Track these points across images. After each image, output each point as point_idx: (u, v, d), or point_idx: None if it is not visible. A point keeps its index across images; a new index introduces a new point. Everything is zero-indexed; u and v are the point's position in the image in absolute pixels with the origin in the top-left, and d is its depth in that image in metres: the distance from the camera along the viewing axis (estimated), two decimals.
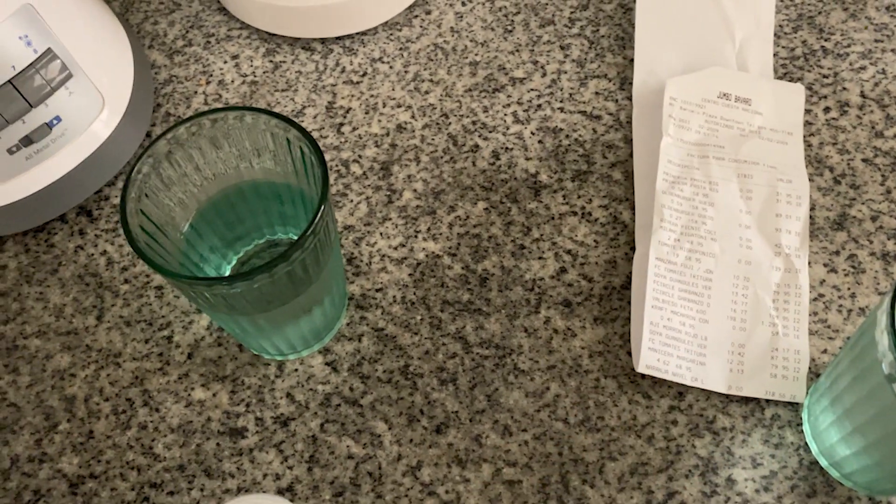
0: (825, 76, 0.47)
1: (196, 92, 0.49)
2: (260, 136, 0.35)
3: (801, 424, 0.37)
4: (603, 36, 0.50)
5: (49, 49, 0.41)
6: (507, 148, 0.46)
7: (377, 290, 0.42)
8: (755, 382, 0.38)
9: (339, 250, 0.38)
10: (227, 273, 0.39)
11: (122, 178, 0.46)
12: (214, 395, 0.40)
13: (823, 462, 0.36)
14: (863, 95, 0.46)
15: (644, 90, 0.47)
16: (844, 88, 0.47)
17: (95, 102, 0.44)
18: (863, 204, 0.43)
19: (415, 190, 0.45)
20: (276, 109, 0.48)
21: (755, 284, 0.40)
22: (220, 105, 0.49)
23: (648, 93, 0.47)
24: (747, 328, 0.39)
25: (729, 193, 0.42)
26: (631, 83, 0.48)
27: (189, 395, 0.40)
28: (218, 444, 0.39)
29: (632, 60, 0.49)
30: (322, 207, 0.31)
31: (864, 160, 0.44)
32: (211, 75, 0.49)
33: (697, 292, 0.40)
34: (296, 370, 0.40)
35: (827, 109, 0.46)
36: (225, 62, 0.50)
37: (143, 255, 0.30)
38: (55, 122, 0.42)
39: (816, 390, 0.36)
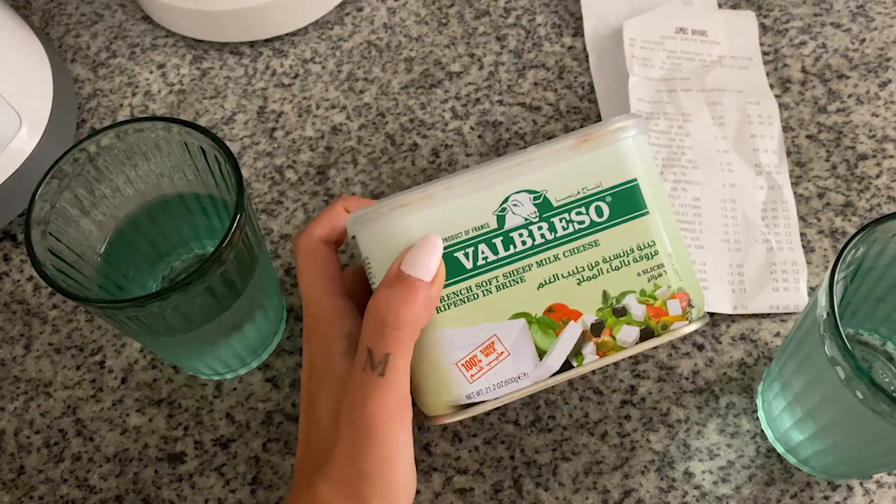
0: (766, 53, 0.46)
1: (122, 105, 0.47)
2: (175, 146, 0.33)
3: (756, 411, 0.36)
4: (540, 24, 0.48)
5: None
6: (446, 145, 0.45)
7: None
8: (758, 299, 0.38)
9: (269, 262, 0.36)
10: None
11: None
12: (151, 420, 0.38)
13: (780, 448, 0.35)
14: (804, 71, 0.46)
15: (597, 36, 0.47)
16: (786, 65, 0.46)
17: (11, 122, 0.42)
18: (809, 181, 0.42)
19: (353, 194, 0.44)
20: (206, 117, 0.46)
21: (742, 205, 0.41)
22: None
23: (602, 38, 0.47)
24: (742, 248, 0.40)
25: (702, 122, 0.43)
26: (570, 71, 0.46)
27: (124, 421, 0.38)
28: (156, 472, 0.37)
29: (570, 48, 0.47)
30: (238, 217, 0.29)
31: (808, 136, 0.43)
32: (137, 87, 0.48)
33: (689, 220, 0.40)
34: (234, 389, 0.39)
35: (770, 87, 0.45)
36: (151, 72, 0.48)
37: (49, 280, 0.29)
38: None
39: (768, 375, 0.35)
